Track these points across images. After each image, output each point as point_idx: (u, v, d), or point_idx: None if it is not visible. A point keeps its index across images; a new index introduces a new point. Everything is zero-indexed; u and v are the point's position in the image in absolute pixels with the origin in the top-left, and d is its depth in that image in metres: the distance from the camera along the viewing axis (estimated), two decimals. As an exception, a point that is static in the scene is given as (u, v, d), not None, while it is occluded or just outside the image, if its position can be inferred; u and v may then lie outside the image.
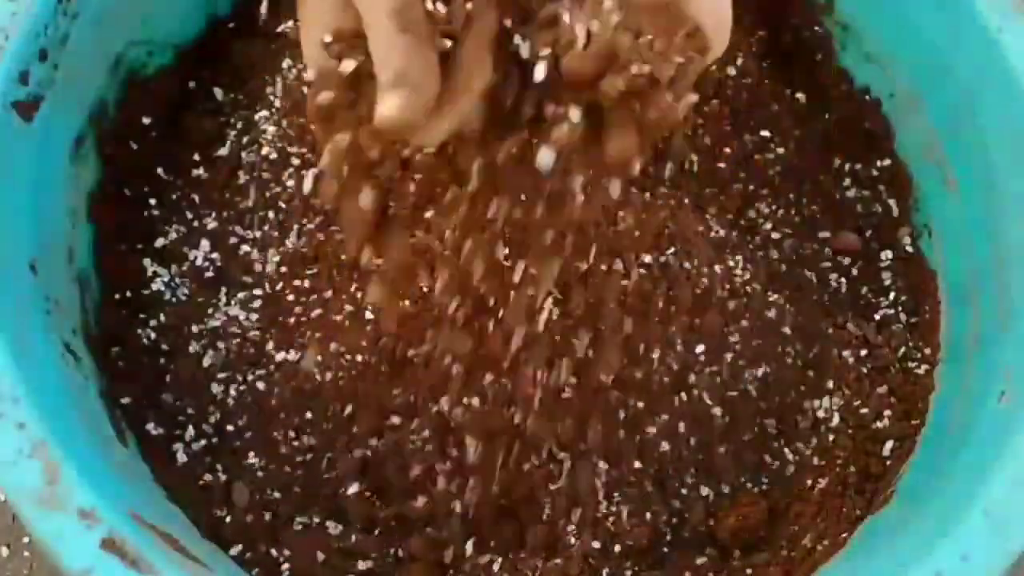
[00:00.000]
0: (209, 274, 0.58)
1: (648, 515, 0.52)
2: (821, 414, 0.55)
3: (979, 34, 0.55)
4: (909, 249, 0.61)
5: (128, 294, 0.56)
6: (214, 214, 0.59)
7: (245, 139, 0.61)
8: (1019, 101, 0.53)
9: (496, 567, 0.52)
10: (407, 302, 0.51)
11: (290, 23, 0.62)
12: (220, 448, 0.53)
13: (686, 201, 0.58)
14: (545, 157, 0.37)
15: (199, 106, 0.62)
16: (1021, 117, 0.53)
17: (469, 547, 0.52)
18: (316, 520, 0.52)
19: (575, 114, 0.37)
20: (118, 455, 0.49)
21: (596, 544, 0.51)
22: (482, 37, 0.37)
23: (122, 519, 0.41)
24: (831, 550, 0.52)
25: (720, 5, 0.40)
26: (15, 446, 0.42)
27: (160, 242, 0.58)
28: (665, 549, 0.53)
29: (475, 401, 0.51)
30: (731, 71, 0.67)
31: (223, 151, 0.60)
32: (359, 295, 0.54)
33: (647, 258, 0.53)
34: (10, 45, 0.50)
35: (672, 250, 0.54)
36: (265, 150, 0.59)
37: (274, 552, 0.51)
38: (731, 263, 0.56)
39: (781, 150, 0.64)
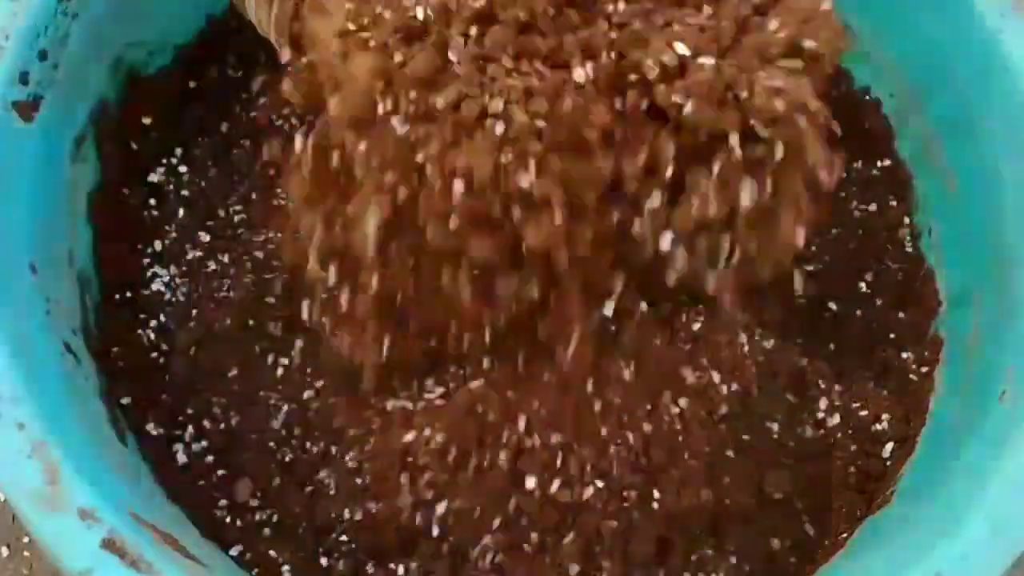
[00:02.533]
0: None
1: (650, 516, 0.52)
2: (821, 415, 0.55)
3: (979, 34, 0.55)
4: (909, 249, 0.61)
5: (128, 294, 0.56)
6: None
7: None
8: (1019, 101, 0.53)
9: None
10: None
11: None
12: (220, 448, 0.53)
13: None
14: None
15: (199, 106, 0.62)
16: (1021, 117, 0.53)
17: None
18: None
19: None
20: (118, 455, 0.49)
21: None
22: None
23: (122, 519, 0.41)
24: (831, 550, 0.52)
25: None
26: (15, 446, 0.42)
27: (160, 242, 0.58)
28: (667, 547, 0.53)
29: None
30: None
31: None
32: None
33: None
34: (10, 45, 0.50)
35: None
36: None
37: (274, 552, 0.51)
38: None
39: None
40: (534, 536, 0.50)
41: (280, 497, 0.52)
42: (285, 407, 0.54)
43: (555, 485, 0.51)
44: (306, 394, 0.54)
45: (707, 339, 0.54)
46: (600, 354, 0.51)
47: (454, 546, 0.50)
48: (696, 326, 0.54)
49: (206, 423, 0.54)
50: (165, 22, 0.60)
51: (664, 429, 0.52)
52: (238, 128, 0.63)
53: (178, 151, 0.61)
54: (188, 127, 0.61)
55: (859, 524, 0.52)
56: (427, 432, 0.51)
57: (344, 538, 0.51)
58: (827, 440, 0.55)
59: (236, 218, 0.60)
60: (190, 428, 0.54)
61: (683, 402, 0.52)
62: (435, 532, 0.50)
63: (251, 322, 0.56)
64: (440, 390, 0.53)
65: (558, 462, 0.51)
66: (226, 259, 0.58)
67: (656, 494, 0.52)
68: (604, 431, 0.51)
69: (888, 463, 0.55)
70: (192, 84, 0.63)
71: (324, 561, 0.51)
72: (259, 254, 0.58)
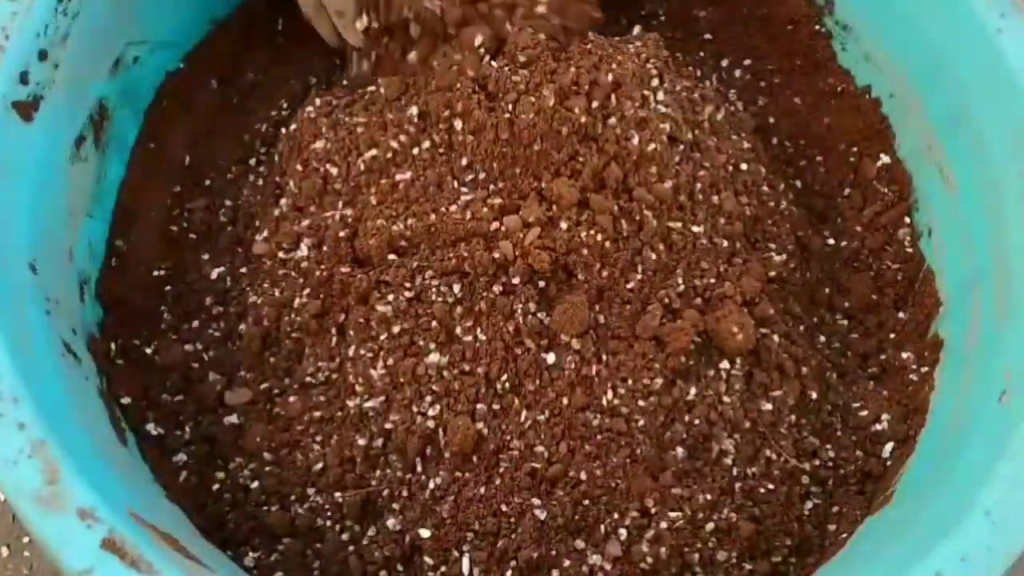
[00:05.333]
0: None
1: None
2: (821, 415, 0.55)
3: (978, 34, 0.55)
4: (909, 249, 0.61)
5: (128, 295, 0.56)
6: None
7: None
8: (1018, 101, 0.53)
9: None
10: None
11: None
12: (220, 448, 0.53)
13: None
14: None
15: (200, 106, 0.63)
16: (1020, 117, 0.53)
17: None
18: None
19: None
20: (118, 455, 0.49)
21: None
22: None
23: (122, 519, 0.41)
24: (831, 550, 0.52)
25: None
26: (15, 446, 0.42)
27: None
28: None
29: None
30: (736, 73, 0.68)
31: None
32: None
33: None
34: (10, 45, 0.50)
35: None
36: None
37: (274, 553, 0.51)
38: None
39: (780, 151, 0.65)
40: None
41: (281, 497, 0.52)
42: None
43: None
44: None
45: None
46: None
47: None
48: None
49: (205, 423, 0.54)
50: (165, 22, 0.60)
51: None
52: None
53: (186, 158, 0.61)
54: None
55: (859, 524, 0.52)
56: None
57: (344, 538, 0.51)
58: (827, 439, 0.55)
59: (238, 223, 0.60)
60: (189, 428, 0.54)
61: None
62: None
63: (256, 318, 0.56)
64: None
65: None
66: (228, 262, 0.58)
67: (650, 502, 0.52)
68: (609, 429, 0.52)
69: (888, 463, 0.54)
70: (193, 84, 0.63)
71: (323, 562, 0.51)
72: (261, 255, 0.58)
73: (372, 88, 0.59)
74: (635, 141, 0.54)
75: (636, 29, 0.64)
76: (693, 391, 0.52)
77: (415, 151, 0.55)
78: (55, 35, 0.52)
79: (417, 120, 0.56)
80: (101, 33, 0.55)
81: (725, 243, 0.56)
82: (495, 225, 0.52)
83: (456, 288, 0.51)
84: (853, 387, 0.57)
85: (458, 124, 0.54)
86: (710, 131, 0.59)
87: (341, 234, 0.55)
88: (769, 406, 0.54)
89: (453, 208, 0.53)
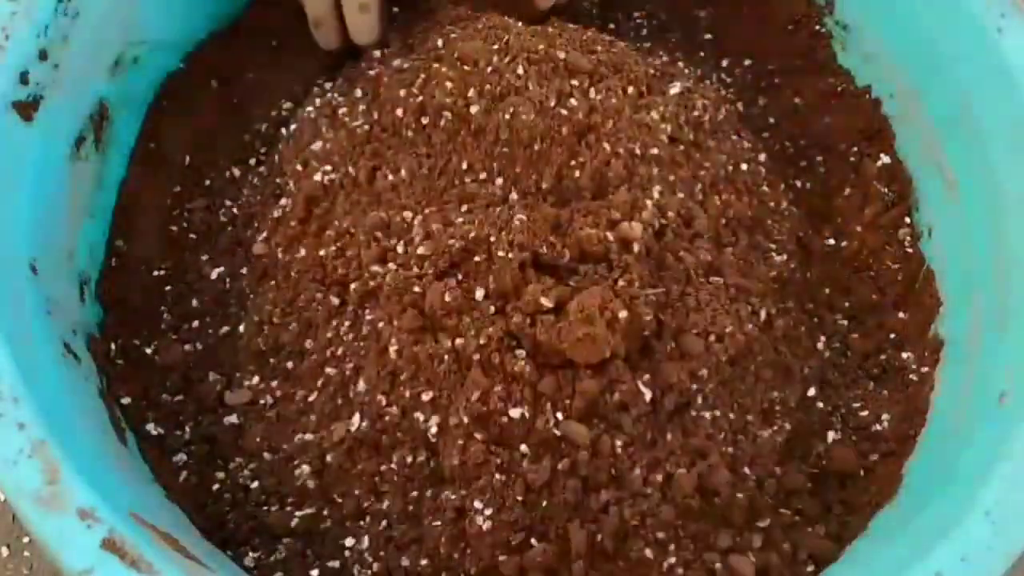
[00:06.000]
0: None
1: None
2: (821, 415, 0.55)
3: (978, 33, 0.55)
4: (909, 249, 0.61)
5: (128, 295, 0.56)
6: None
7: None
8: (1018, 100, 0.53)
9: None
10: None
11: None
12: (220, 447, 0.53)
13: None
14: None
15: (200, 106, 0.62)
16: (1020, 117, 0.53)
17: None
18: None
19: None
20: (118, 455, 0.49)
21: None
22: None
23: (122, 519, 0.41)
24: (831, 550, 0.52)
25: None
26: (15, 446, 0.42)
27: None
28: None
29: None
30: (736, 73, 0.68)
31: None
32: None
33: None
34: (10, 45, 0.50)
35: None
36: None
37: (275, 553, 0.51)
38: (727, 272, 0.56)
39: (780, 151, 0.65)
40: None
41: (281, 497, 0.52)
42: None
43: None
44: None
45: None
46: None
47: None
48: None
49: (205, 423, 0.54)
50: (166, 22, 0.60)
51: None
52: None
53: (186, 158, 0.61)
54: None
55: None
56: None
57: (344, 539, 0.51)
58: (827, 440, 0.55)
59: (238, 224, 0.60)
60: (189, 428, 0.54)
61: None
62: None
63: (256, 318, 0.56)
64: None
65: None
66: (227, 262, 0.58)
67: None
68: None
69: (888, 463, 0.54)
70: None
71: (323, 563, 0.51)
72: (261, 255, 0.58)
73: (373, 88, 0.59)
74: (635, 142, 0.54)
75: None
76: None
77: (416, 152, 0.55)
78: (55, 35, 0.52)
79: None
80: (101, 33, 0.55)
81: (726, 243, 0.56)
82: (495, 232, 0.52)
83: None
84: (853, 387, 0.57)
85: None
86: (710, 131, 0.59)
87: None
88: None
89: (450, 207, 0.53)
